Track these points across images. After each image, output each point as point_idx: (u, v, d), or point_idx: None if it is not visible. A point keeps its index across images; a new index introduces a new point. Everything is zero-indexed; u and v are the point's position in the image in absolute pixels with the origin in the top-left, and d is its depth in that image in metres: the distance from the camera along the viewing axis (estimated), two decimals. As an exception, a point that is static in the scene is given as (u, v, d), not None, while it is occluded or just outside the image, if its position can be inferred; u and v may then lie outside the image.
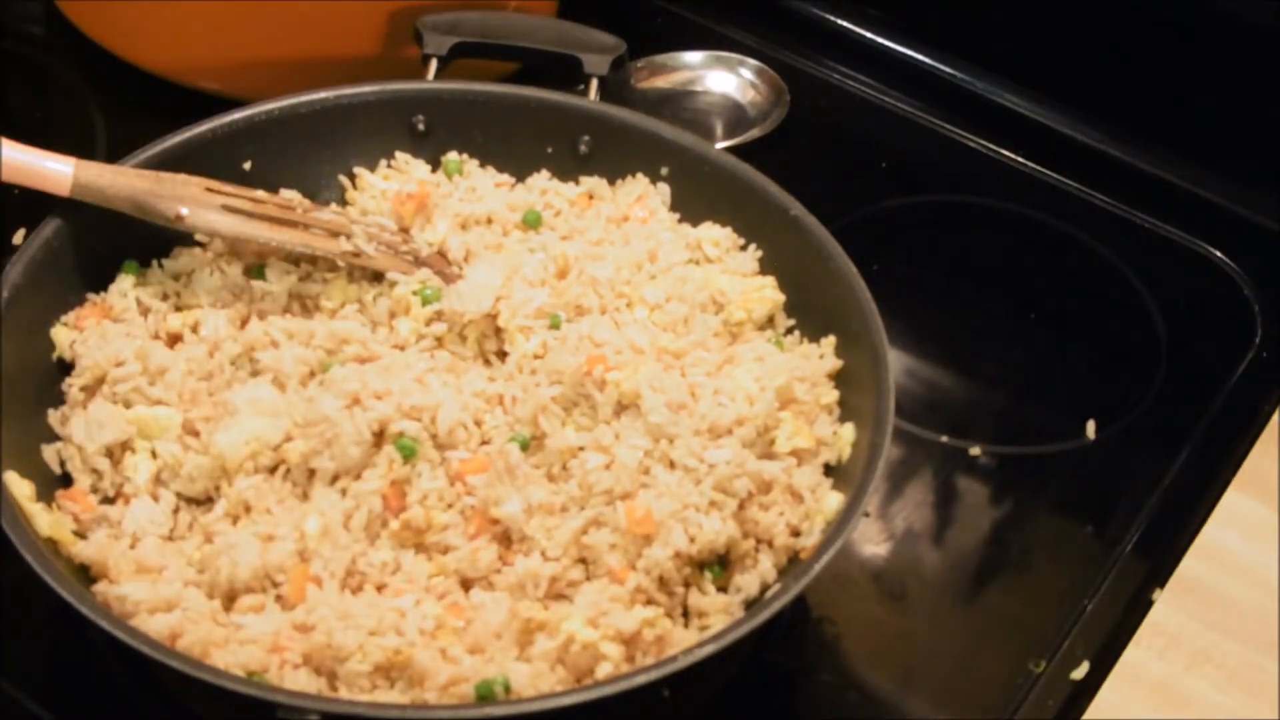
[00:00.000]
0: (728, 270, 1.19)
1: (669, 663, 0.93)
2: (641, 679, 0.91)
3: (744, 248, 1.20)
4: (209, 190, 1.13)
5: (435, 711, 0.93)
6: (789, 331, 1.17)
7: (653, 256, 1.18)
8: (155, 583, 0.99)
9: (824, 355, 1.13)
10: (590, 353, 1.09)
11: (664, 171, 1.23)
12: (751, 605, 1.02)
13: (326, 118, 1.22)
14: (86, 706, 1.05)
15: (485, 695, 0.94)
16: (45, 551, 0.96)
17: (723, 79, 1.50)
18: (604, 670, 0.95)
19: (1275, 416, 1.25)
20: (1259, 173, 1.43)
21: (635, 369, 1.08)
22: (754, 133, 1.43)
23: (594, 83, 1.30)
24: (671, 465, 1.05)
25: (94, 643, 1.03)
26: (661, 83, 1.49)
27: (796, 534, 1.05)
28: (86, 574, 1.01)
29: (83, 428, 1.06)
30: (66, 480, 1.06)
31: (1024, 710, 1.07)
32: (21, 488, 1.01)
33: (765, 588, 1.03)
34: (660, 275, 1.17)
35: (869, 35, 1.58)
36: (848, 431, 1.09)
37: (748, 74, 1.49)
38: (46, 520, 1.01)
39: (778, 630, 1.06)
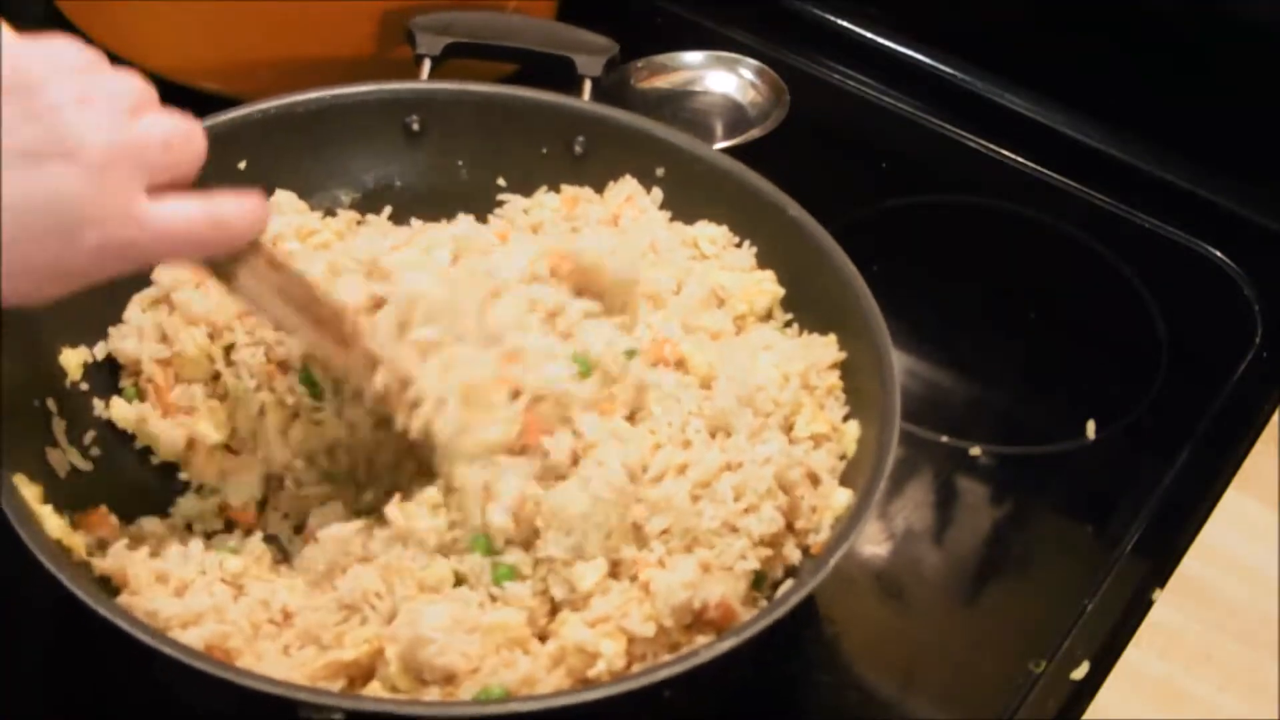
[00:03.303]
0: (725, 266, 1.19)
1: (689, 658, 0.92)
2: (665, 673, 0.91)
3: (739, 245, 1.20)
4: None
5: (459, 709, 0.93)
6: (788, 325, 1.17)
7: (654, 248, 1.18)
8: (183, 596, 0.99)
9: (827, 345, 1.13)
10: (654, 337, 1.09)
11: (659, 172, 1.22)
12: (777, 588, 1.02)
13: (321, 118, 1.22)
14: (86, 708, 1.05)
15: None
16: (63, 557, 0.96)
17: (723, 79, 1.50)
18: (599, 668, 0.95)
19: (1275, 416, 1.25)
20: (1259, 173, 1.43)
21: (702, 348, 1.08)
22: (754, 133, 1.43)
23: (587, 84, 1.29)
24: (729, 468, 1.04)
25: (96, 644, 1.03)
26: (661, 83, 1.49)
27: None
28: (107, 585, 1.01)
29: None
30: (72, 487, 1.05)
31: (1024, 710, 1.06)
32: (30, 491, 1.00)
33: (790, 570, 1.03)
34: (662, 265, 1.16)
35: (869, 35, 1.58)
36: (852, 428, 1.09)
37: (748, 74, 1.49)
38: (55, 523, 1.00)
39: (779, 630, 1.06)
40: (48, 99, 0.82)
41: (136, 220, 0.85)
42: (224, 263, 0.93)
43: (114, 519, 1.04)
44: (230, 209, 0.89)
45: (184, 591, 0.99)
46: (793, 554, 1.03)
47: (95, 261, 0.85)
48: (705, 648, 0.93)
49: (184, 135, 0.88)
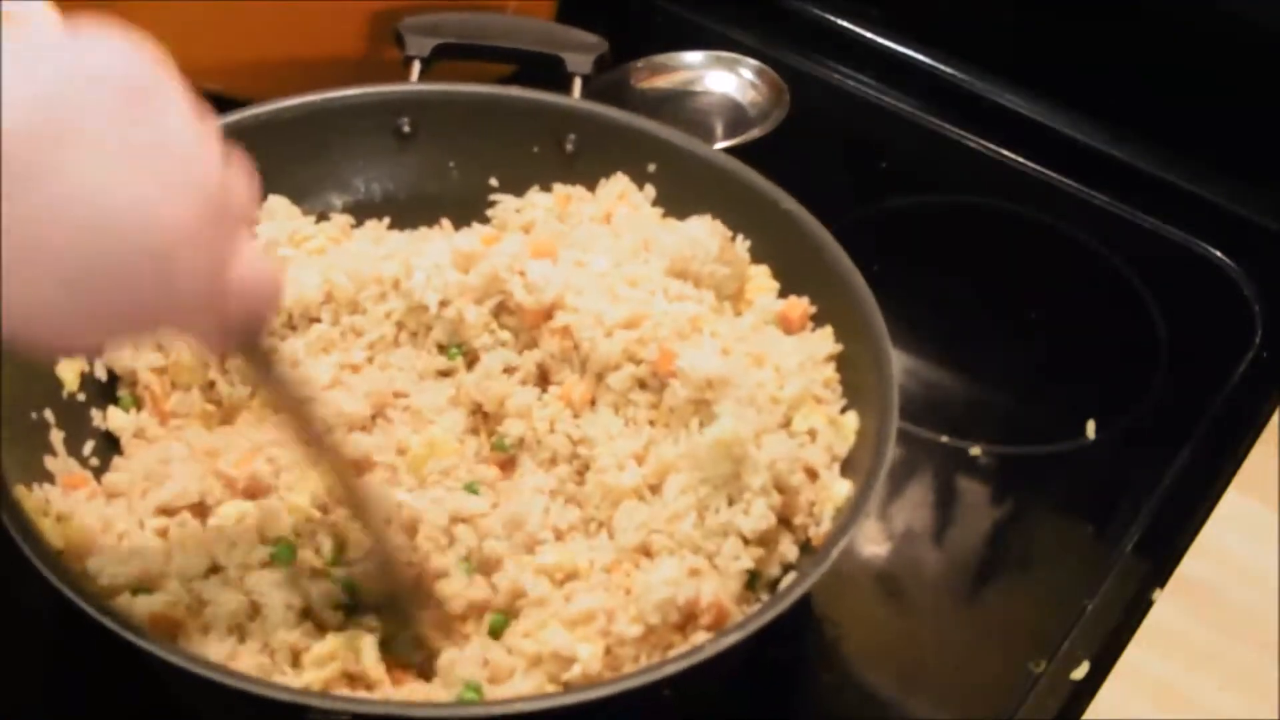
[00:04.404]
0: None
1: (692, 654, 0.91)
2: (668, 670, 0.90)
3: (732, 239, 1.19)
4: None
5: (462, 710, 0.93)
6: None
7: (647, 245, 1.17)
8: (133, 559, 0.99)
9: (823, 338, 1.13)
10: (661, 347, 1.08)
11: (651, 169, 1.22)
12: (774, 587, 1.02)
13: (311, 122, 1.22)
14: (87, 714, 1.05)
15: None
16: (63, 566, 0.96)
17: (723, 79, 1.50)
18: (574, 671, 0.95)
19: (1275, 416, 1.24)
20: (1259, 173, 1.43)
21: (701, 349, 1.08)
22: (754, 133, 1.43)
23: (577, 82, 1.29)
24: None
25: (97, 652, 1.02)
26: (661, 83, 1.49)
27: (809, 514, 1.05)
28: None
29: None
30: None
31: (1024, 710, 1.06)
32: (31, 502, 1.01)
33: (787, 567, 1.03)
34: (655, 261, 1.16)
35: (869, 35, 1.58)
36: (850, 420, 1.08)
37: (748, 74, 1.49)
38: (57, 533, 1.00)
39: (779, 628, 1.06)
40: (169, 117, 0.71)
41: (225, 278, 0.74)
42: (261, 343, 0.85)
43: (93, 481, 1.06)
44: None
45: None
46: (790, 551, 1.03)
47: (170, 315, 0.73)
48: (709, 643, 0.92)
49: (252, 181, 0.77)
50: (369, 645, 0.96)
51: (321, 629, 0.98)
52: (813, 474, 1.05)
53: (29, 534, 0.95)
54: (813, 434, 1.07)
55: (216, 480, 1.03)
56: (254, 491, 1.03)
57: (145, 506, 1.03)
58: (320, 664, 0.95)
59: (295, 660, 0.96)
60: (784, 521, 1.04)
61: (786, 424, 1.07)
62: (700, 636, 0.97)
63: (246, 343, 0.83)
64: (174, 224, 0.70)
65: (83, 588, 0.92)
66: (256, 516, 1.01)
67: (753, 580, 1.02)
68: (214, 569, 0.99)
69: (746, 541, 1.01)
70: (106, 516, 1.02)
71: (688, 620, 0.98)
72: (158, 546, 1.00)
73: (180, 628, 0.96)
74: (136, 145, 0.69)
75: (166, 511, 1.02)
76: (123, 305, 0.71)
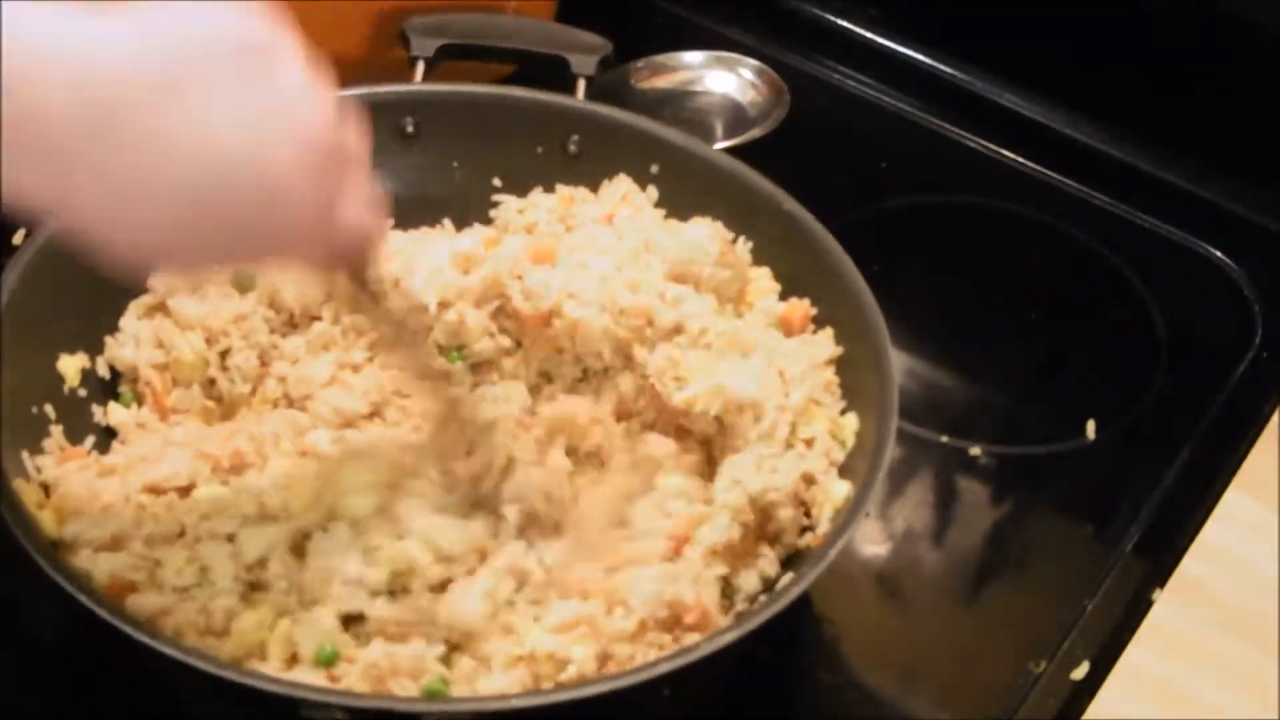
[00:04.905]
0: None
1: (690, 651, 0.91)
2: (665, 667, 0.90)
3: (734, 241, 1.19)
4: None
5: (461, 704, 0.93)
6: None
7: (648, 247, 1.17)
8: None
9: (823, 340, 1.13)
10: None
11: (654, 169, 1.22)
12: (753, 601, 1.02)
13: None
14: (84, 708, 1.05)
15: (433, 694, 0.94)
16: (61, 560, 0.95)
17: (723, 79, 1.50)
18: (569, 673, 0.94)
19: (1275, 416, 1.24)
20: (1259, 173, 1.43)
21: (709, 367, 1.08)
22: (754, 133, 1.43)
23: (581, 83, 1.29)
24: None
25: (93, 644, 1.02)
26: (661, 83, 1.49)
27: (806, 528, 1.05)
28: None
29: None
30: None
31: (1024, 710, 1.06)
32: (30, 494, 1.01)
33: (768, 583, 1.02)
34: (657, 265, 1.16)
35: (869, 35, 1.58)
36: (850, 421, 1.08)
37: (748, 74, 1.49)
38: (53, 527, 1.00)
39: (777, 628, 1.06)
40: (281, 74, 0.78)
41: (332, 215, 0.82)
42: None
43: (94, 453, 1.07)
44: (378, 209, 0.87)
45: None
46: (770, 567, 1.03)
47: (276, 245, 0.81)
48: (705, 641, 0.92)
49: (362, 134, 0.85)
50: (276, 640, 0.95)
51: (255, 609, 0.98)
52: (811, 479, 1.05)
53: (26, 527, 0.94)
54: (809, 442, 1.07)
55: (204, 462, 1.03)
56: (238, 470, 1.04)
57: (134, 483, 1.03)
58: (244, 634, 0.95)
59: (226, 629, 0.96)
60: (767, 538, 1.04)
61: (791, 432, 1.07)
62: (690, 639, 0.97)
63: (352, 272, 0.92)
64: (279, 169, 0.77)
65: (75, 578, 0.92)
66: (230, 494, 1.02)
67: (731, 592, 1.02)
68: (180, 535, 1.00)
69: (714, 553, 1.01)
70: (95, 488, 1.02)
71: (675, 621, 0.98)
72: (132, 514, 1.00)
73: (134, 589, 0.96)
74: (249, 99, 0.76)
75: (155, 490, 1.02)
76: (231, 234, 0.79)
